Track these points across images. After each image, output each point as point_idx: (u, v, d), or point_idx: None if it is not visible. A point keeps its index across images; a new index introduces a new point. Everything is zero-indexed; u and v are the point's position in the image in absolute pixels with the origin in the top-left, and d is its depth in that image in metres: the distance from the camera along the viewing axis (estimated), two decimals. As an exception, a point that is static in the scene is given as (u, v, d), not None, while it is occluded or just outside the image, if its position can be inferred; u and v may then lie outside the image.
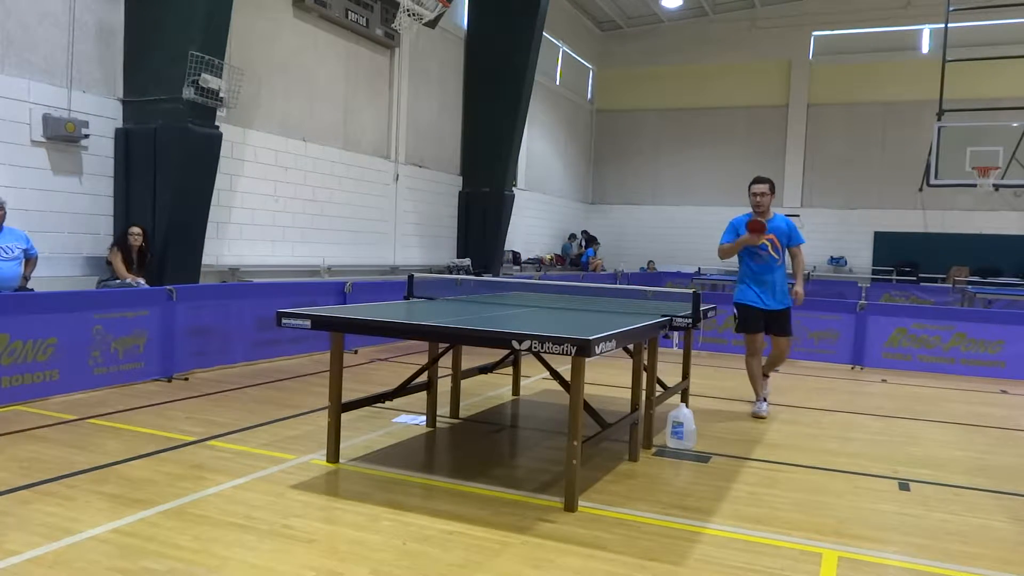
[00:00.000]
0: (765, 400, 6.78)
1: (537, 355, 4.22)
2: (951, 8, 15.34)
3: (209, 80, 8.43)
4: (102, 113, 8.51)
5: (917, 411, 7.22)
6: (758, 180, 6.65)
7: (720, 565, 3.48)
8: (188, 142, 8.44)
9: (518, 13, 14.96)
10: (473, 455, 5.23)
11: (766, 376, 6.88)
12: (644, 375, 5.28)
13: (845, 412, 7.11)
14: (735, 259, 6.78)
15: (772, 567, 3.48)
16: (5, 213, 6.92)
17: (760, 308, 6.59)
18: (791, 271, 6.77)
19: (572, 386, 4.12)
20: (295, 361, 8.68)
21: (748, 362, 6.76)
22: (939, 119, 15.19)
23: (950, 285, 16.62)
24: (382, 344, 10.03)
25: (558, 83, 20.49)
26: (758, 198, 6.58)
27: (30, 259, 7.21)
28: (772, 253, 6.53)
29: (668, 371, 7.06)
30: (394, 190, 13.62)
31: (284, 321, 4.62)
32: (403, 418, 6.07)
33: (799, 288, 6.69)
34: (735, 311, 6.73)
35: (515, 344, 3.96)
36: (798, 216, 20.75)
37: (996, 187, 15.59)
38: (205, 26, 8.40)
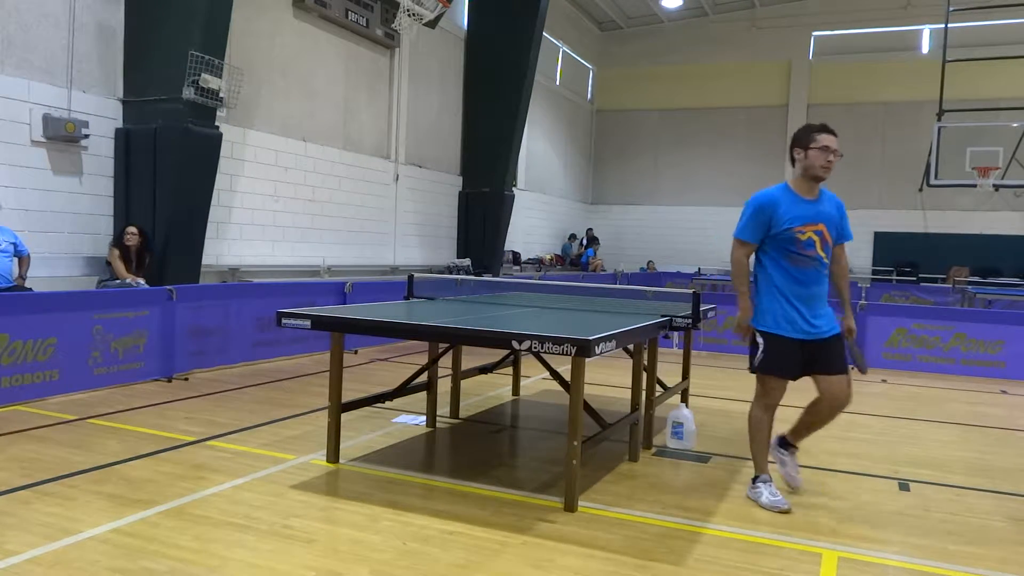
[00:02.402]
0: (769, 482, 4.36)
1: (537, 355, 4.22)
2: (951, 8, 15.36)
3: (209, 80, 8.43)
4: (102, 113, 8.51)
5: (917, 411, 7.21)
6: (829, 130, 4.28)
7: (720, 565, 3.48)
8: (188, 142, 8.43)
9: (518, 13, 14.96)
10: (473, 455, 5.23)
11: (793, 447, 4.54)
12: (644, 375, 5.28)
13: (845, 412, 7.08)
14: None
15: (772, 567, 3.48)
16: None
17: (801, 339, 4.23)
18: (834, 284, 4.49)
19: (572, 386, 4.11)
20: (295, 361, 8.67)
21: (756, 417, 4.42)
22: (939, 119, 15.21)
23: (950, 285, 16.61)
24: (382, 344, 10.03)
25: (558, 83, 20.49)
26: (831, 156, 4.21)
27: (23, 257, 7.23)
28: (820, 252, 4.22)
29: (668, 371, 7.05)
30: (394, 190, 13.62)
31: (284, 321, 4.62)
32: (403, 418, 6.06)
33: (850, 321, 4.47)
34: (760, 341, 4.30)
35: (515, 344, 3.96)
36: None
37: (996, 187, 15.61)
38: (205, 26, 8.40)
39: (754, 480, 4.42)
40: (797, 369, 4.30)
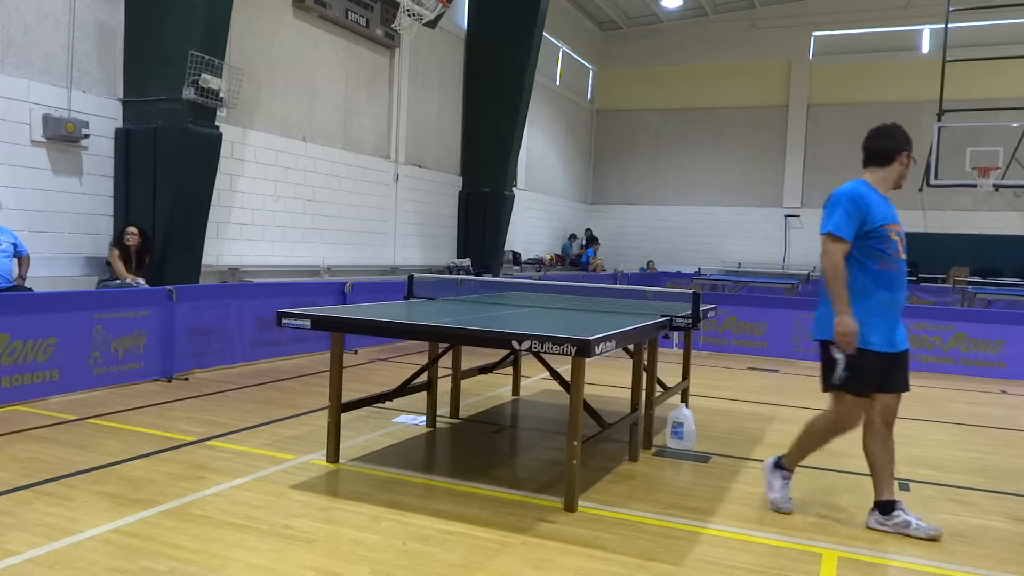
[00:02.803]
0: (788, 481, 4.26)
1: (537, 355, 4.22)
2: (951, 8, 15.34)
3: (209, 80, 8.42)
4: (102, 113, 8.51)
5: (917, 411, 7.21)
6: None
7: (720, 565, 3.48)
8: (188, 142, 8.43)
9: (518, 13, 14.96)
10: (473, 455, 5.23)
11: (895, 503, 4.03)
12: (644, 375, 5.28)
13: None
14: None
15: (772, 567, 3.48)
16: None
17: (893, 353, 3.93)
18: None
19: (572, 386, 4.12)
20: (295, 361, 8.67)
21: (820, 432, 4.16)
22: (939, 119, 15.19)
23: (950, 285, 16.61)
24: (382, 344, 10.03)
25: (558, 83, 20.48)
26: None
27: (22, 258, 7.24)
28: (903, 254, 3.99)
29: (668, 371, 7.05)
30: (394, 190, 13.62)
31: (284, 321, 4.62)
32: (403, 418, 6.07)
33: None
34: (838, 356, 3.88)
35: (515, 344, 3.96)
36: (798, 216, 20.80)
37: (996, 187, 15.60)
38: (205, 26, 8.40)
39: (777, 465, 4.24)
40: (878, 385, 3.95)
